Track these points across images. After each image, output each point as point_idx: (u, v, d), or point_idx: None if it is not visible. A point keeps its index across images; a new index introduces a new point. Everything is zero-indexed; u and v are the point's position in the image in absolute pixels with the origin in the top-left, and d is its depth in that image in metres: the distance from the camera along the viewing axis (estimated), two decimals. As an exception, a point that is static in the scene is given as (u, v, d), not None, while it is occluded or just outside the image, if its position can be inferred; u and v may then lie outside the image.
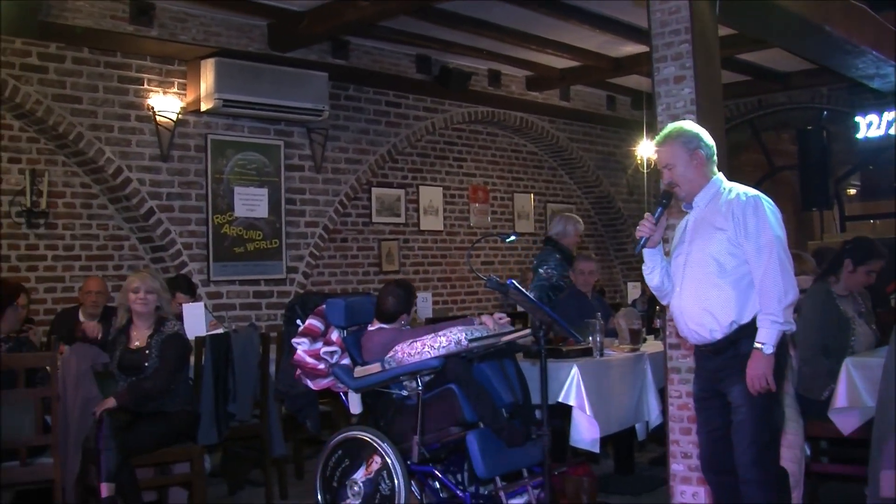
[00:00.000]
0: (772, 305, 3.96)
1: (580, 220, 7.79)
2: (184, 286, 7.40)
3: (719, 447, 4.25)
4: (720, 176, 4.32)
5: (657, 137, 4.39)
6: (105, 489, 5.10)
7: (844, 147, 12.28)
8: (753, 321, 4.04)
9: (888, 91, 10.22)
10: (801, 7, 6.74)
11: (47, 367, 5.59)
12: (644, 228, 4.29)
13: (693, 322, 4.21)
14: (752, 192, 4.16)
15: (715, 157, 4.31)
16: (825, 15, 7.16)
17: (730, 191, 4.21)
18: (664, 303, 4.59)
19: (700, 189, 4.27)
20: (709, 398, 4.29)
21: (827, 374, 5.38)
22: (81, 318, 7.29)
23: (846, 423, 5.14)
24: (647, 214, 4.33)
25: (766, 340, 3.95)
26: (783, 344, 4.06)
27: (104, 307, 7.32)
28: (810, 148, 11.28)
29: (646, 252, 4.37)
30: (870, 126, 11.72)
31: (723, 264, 4.09)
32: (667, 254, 4.48)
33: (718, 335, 4.12)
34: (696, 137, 4.27)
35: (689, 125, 4.38)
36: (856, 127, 11.83)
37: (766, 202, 4.10)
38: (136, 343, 5.71)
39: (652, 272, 4.41)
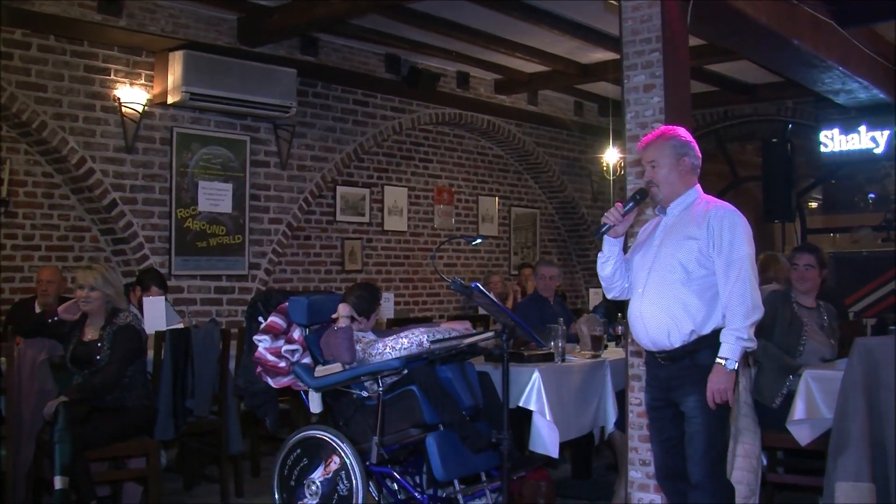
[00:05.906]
0: (737, 321, 3.98)
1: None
2: (157, 280, 7.31)
3: (672, 455, 4.27)
4: (699, 188, 4.35)
5: (651, 135, 4.39)
6: (58, 482, 5.03)
7: (808, 160, 12.40)
8: (712, 334, 4.06)
9: (853, 106, 10.34)
10: (770, 20, 6.80)
11: (3, 359, 5.51)
12: (610, 217, 4.28)
13: (653, 326, 4.18)
14: (730, 207, 4.20)
15: (699, 170, 4.34)
16: (794, 29, 7.24)
17: (707, 202, 4.24)
18: (609, 296, 4.58)
19: (677, 196, 4.29)
20: (661, 407, 4.30)
21: (778, 371, 5.42)
22: (37, 308, 7.20)
23: (804, 435, 5.19)
24: (617, 203, 4.33)
25: (729, 356, 3.96)
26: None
27: (60, 297, 7.20)
28: (774, 160, 11.34)
29: (606, 240, 4.36)
30: (833, 139, 11.83)
31: (690, 272, 4.09)
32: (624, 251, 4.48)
33: (677, 342, 4.11)
34: (688, 145, 4.30)
35: (684, 132, 4.39)
36: (820, 141, 11.94)
37: (742, 219, 4.14)
38: (89, 336, 5.63)
39: (606, 261, 4.41)
